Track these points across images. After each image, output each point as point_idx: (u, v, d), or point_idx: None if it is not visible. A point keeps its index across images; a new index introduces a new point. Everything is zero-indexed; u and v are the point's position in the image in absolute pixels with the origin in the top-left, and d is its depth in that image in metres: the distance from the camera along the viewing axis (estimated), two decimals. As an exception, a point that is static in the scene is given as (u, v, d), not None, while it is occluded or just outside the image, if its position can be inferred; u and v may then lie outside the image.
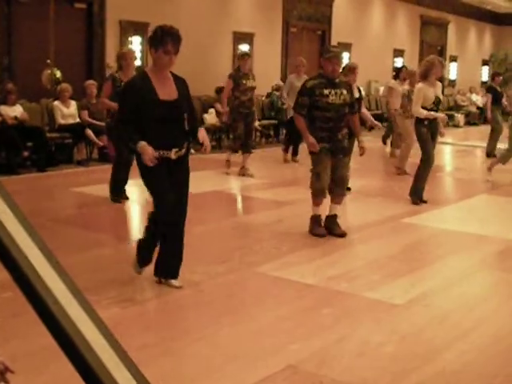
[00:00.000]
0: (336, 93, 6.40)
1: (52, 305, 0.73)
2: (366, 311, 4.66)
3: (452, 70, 25.78)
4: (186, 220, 4.88)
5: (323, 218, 6.71)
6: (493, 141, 13.47)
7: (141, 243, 5.00)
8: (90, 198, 8.19)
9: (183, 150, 4.79)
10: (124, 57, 7.76)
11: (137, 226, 7.16)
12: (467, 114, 21.75)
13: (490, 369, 3.82)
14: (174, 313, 4.54)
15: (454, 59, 25.59)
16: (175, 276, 4.92)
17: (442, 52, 25.13)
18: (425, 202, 8.42)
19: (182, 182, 4.86)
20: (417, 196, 8.38)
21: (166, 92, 4.69)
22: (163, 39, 4.60)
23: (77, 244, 6.15)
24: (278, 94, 14.77)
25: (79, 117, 10.89)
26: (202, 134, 4.96)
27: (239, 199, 9.17)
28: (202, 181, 8.82)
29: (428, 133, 8.14)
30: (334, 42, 19.18)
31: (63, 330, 0.73)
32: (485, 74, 28.13)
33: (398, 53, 21.98)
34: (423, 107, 8.03)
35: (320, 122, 6.42)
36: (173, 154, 4.70)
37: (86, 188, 8.64)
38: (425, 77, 8.13)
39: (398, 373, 3.66)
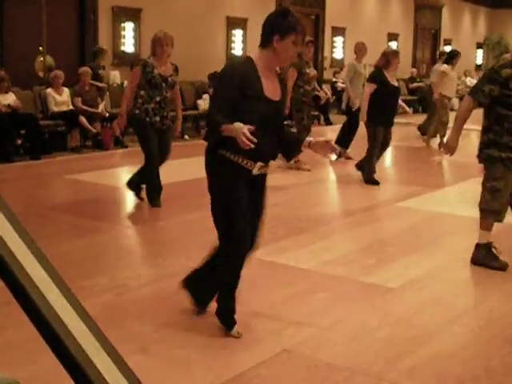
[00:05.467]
0: None
1: (31, 291, 0.72)
2: (361, 295, 4.67)
3: (446, 54, 25.72)
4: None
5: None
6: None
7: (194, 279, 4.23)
8: (84, 184, 8.17)
9: (266, 169, 3.84)
10: (160, 42, 6.84)
11: (131, 213, 7.15)
12: (462, 98, 21.69)
13: (485, 351, 3.83)
14: (169, 299, 4.53)
15: (448, 42, 25.53)
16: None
17: (436, 35, 25.09)
18: None
19: (260, 205, 3.94)
20: None
21: (272, 90, 3.75)
22: (296, 26, 3.64)
23: (71, 231, 6.15)
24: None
25: (72, 104, 10.85)
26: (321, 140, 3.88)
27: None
28: (197, 167, 8.78)
29: None
30: (327, 27, 19.14)
31: (42, 316, 0.72)
32: (479, 57, 28.08)
33: (392, 37, 21.93)
34: None
35: (509, 123, 5.08)
36: (256, 169, 3.73)
37: (80, 175, 8.63)
38: None
39: (392, 356, 3.67)
